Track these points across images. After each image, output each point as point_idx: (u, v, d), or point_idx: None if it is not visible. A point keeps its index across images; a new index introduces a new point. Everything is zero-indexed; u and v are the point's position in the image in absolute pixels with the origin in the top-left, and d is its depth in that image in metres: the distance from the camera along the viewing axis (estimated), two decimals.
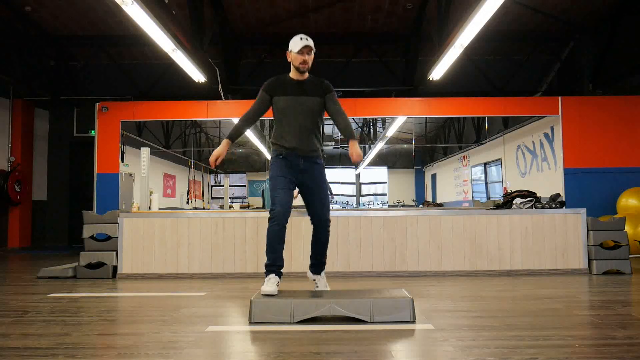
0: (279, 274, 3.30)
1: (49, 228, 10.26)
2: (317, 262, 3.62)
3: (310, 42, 3.40)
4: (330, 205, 3.55)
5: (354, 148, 3.27)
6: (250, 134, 9.07)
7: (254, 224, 5.15)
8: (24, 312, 3.36)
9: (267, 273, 3.27)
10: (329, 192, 3.60)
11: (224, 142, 3.48)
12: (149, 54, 9.32)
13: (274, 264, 3.29)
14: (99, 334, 2.78)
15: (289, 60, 3.50)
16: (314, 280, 3.65)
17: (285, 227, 3.30)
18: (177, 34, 6.02)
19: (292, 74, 3.52)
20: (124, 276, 5.09)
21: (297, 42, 3.41)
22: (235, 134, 3.56)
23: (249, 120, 3.62)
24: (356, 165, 3.47)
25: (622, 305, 3.45)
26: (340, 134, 3.80)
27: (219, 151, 3.43)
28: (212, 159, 3.39)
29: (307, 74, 3.51)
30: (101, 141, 7.29)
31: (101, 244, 5.18)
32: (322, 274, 3.64)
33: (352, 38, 9.09)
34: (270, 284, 3.17)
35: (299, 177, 3.44)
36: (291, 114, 3.46)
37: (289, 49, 3.47)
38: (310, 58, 3.43)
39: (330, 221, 3.50)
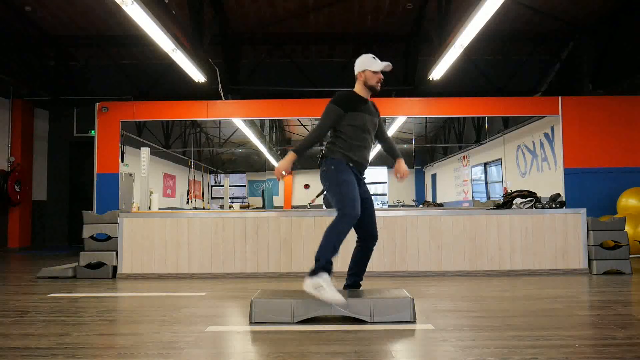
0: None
1: (49, 228, 10.25)
2: (356, 282, 3.47)
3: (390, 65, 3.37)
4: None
5: (402, 165, 3.46)
6: (250, 134, 9.07)
7: (254, 224, 5.15)
8: (24, 312, 3.36)
9: (320, 271, 3.00)
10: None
11: (291, 155, 3.25)
12: (149, 54, 9.31)
13: (331, 263, 3.09)
14: (99, 334, 2.77)
15: (361, 78, 3.39)
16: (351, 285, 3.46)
17: None
18: (177, 34, 6.02)
19: (361, 92, 3.41)
20: (123, 276, 5.08)
21: (375, 62, 3.35)
22: (306, 148, 3.34)
23: (322, 136, 3.39)
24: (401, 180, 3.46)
25: (622, 305, 3.45)
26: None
27: (285, 165, 3.24)
28: (277, 172, 3.25)
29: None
30: (101, 141, 7.29)
31: (101, 244, 5.18)
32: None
33: (352, 38, 9.09)
34: (333, 290, 2.95)
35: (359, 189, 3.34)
36: (363, 131, 3.37)
37: (363, 67, 3.37)
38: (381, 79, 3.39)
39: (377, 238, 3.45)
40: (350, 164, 3.33)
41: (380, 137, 3.63)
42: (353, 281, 3.48)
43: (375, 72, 3.34)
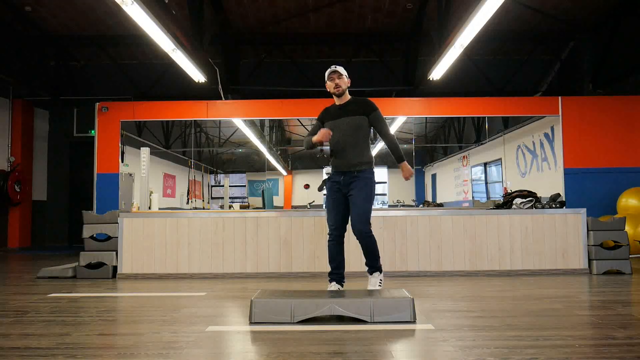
0: (340, 282, 3.83)
1: (49, 228, 10.25)
2: (369, 264, 3.84)
3: (338, 68, 3.83)
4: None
5: (406, 169, 3.79)
6: (250, 134, 9.08)
7: (254, 224, 5.15)
8: (24, 312, 3.36)
9: (330, 280, 3.85)
10: (368, 203, 3.75)
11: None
12: (149, 54, 9.32)
13: (334, 272, 3.84)
14: (99, 334, 2.77)
15: (329, 91, 3.90)
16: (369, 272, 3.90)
17: (341, 240, 3.83)
18: (177, 34, 6.02)
19: (335, 101, 3.92)
20: (123, 276, 5.08)
21: (326, 73, 3.85)
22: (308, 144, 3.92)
23: (307, 145, 3.94)
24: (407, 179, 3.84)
25: (622, 305, 3.45)
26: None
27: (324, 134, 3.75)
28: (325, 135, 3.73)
29: (347, 97, 3.88)
30: (101, 141, 7.29)
31: (101, 244, 5.17)
32: (375, 274, 3.84)
33: (352, 38, 9.09)
34: (331, 289, 3.73)
35: (343, 191, 3.79)
36: (334, 136, 3.79)
37: (326, 81, 3.90)
38: (342, 81, 3.80)
39: (365, 231, 3.67)
40: (330, 173, 3.88)
41: (380, 136, 3.89)
42: (366, 263, 3.86)
43: (329, 81, 3.84)
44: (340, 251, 3.81)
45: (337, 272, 3.83)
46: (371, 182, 3.78)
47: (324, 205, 3.93)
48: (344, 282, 3.86)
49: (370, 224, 3.68)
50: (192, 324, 2.98)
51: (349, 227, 3.78)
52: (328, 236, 3.81)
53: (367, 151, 3.81)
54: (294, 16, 8.22)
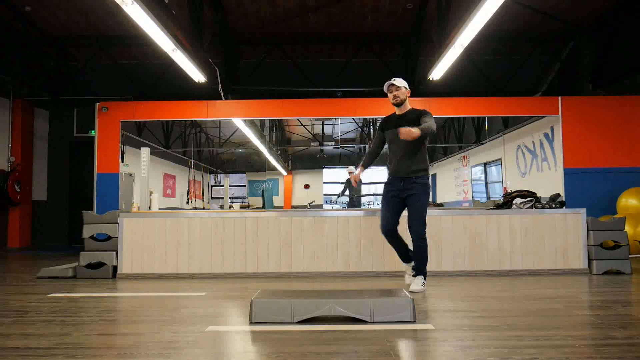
0: (408, 262, 4.31)
1: (49, 228, 10.25)
2: (416, 268, 4.13)
3: (396, 81, 4.11)
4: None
5: (407, 128, 3.78)
6: (250, 134, 9.08)
7: (254, 224, 5.15)
8: (24, 312, 3.36)
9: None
10: (424, 207, 4.07)
11: (360, 168, 4.35)
12: (149, 54, 9.31)
13: (400, 258, 4.34)
14: (99, 334, 2.78)
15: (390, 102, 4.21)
16: (413, 275, 4.20)
17: (394, 232, 4.16)
18: (177, 34, 6.02)
19: (395, 110, 4.24)
20: (123, 276, 5.08)
21: (385, 86, 4.15)
22: (366, 164, 4.38)
23: (372, 153, 4.40)
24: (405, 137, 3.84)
25: (622, 305, 3.45)
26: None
27: (358, 174, 4.30)
28: (354, 180, 4.27)
29: (407, 107, 4.19)
30: (101, 141, 7.29)
31: (101, 244, 5.18)
32: (418, 278, 4.07)
33: (352, 38, 9.09)
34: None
35: (402, 195, 4.10)
36: (393, 144, 4.17)
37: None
38: (399, 92, 4.10)
39: (421, 234, 4.01)
40: (389, 177, 4.20)
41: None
42: (413, 265, 4.22)
43: (387, 92, 4.16)
44: (393, 241, 4.20)
45: (402, 257, 4.30)
46: (427, 188, 4.10)
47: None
48: (407, 263, 4.34)
49: (426, 226, 4.02)
50: (192, 324, 2.98)
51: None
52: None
53: (423, 158, 4.12)
54: (294, 16, 8.22)
